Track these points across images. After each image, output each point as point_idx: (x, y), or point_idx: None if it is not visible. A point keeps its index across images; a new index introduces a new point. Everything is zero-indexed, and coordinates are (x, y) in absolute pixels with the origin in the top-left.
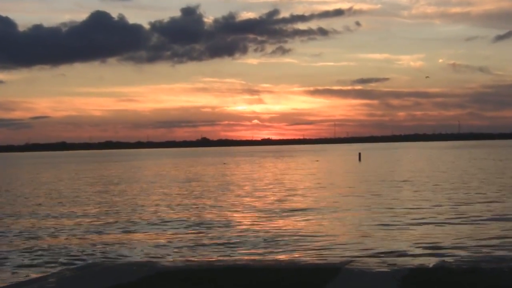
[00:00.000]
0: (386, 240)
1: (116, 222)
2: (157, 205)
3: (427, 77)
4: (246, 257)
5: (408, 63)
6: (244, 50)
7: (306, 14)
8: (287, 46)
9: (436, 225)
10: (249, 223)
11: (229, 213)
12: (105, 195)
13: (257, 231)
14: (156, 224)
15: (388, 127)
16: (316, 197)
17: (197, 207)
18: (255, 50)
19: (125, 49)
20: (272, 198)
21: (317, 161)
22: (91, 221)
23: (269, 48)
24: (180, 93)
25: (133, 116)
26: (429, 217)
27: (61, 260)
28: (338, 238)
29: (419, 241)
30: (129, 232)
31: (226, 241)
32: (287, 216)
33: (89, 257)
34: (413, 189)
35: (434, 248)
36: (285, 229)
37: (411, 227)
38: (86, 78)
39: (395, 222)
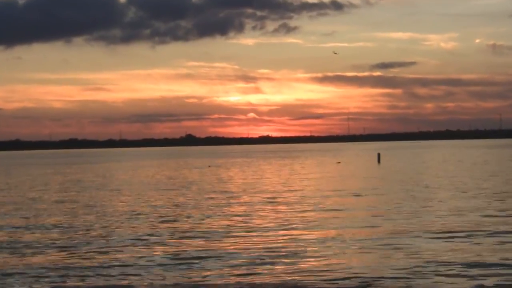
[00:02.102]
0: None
1: (85, 238)
2: (126, 219)
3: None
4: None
5: (437, 44)
6: (239, 28)
7: None
8: (292, 23)
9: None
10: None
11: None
12: (69, 205)
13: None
14: (131, 240)
15: (414, 122)
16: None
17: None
18: (253, 28)
19: (95, 26)
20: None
21: (339, 163)
22: (57, 237)
23: (270, 25)
24: (161, 80)
25: (103, 108)
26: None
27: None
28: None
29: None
30: (102, 251)
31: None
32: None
33: (62, 279)
34: (445, 199)
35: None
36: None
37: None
38: (47, 62)
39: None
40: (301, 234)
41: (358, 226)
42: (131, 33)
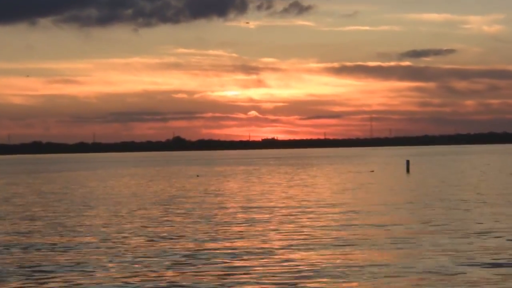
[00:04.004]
0: None
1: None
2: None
3: None
4: None
5: (479, 28)
6: (242, 8)
7: None
8: (305, 1)
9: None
10: None
11: None
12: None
13: None
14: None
15: (451, 123)
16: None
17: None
18: (259, 7)
19: (66, 5)
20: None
21: (372, 171)
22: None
23: (279, 4)
24: (143, 70)
25: (73, 104)
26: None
27: None
28: None
29: None
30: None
31: None
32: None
33: None
34: (488, 211)
35: None
36: None
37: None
38: (5, 48)
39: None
40: None
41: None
42: (109, 13)
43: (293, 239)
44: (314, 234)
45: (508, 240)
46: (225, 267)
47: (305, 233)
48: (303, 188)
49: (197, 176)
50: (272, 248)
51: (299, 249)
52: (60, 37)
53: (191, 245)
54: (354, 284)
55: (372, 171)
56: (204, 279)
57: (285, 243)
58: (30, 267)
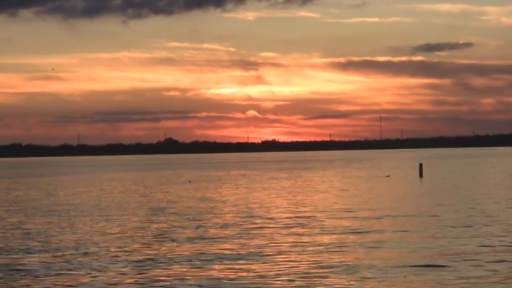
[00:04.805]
0: None
1: None
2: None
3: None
4: None
5: (498, 19)
6: None
7: None
8: None
9: None
10: None
11: None
12: None
13: None
14: None
15: (468, 123)
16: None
17: None
18: None
19: None
20: None
21: (388, 176)
22: None
23: None
24: (132, 66)
25: (56, 103)
26: None
27: None
28: None
29: None
30: None
31: None
32: None
33: None
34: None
35: None
36: None
37: None
38: None
39: None
40: None
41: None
42: (96, 3)
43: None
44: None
45: None
46: None
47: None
48: (312, 196)
49: (189, 181)
50: None
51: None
52: (43, 29)
53: (172, 271)
54: None
55: (388, 176)
56: None
57: None
58: None
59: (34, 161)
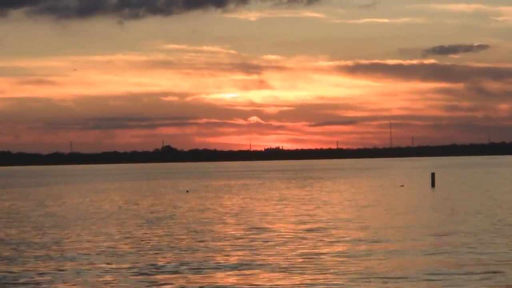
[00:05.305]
0: None
1: None
2: None
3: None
4: None
5: None
6: None
7: None
8: None
9: None
10: None
11: None
12: None
13: None
14: None
15: (482, 130)
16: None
17: None
18: None
19: None
20: None
21: (402, 186)
22: None
23: None
24: (128, 69)
25: (47, 109)
26: None
27: None
28: None
29: None
30: None
31: None
32: None
33: None
34: None
35: None
36: None
37: None
38: None
39: None
40: None
41: None
42: (91, 3)
43: None
44: None
45: None
46: None
47: None
48: (323, 207)
49: (187, 191)
50: None
51: None
52: (34, 30)
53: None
54: None
55: (402, 185)
56: None
57: None
58: None
59: (23, 170)
